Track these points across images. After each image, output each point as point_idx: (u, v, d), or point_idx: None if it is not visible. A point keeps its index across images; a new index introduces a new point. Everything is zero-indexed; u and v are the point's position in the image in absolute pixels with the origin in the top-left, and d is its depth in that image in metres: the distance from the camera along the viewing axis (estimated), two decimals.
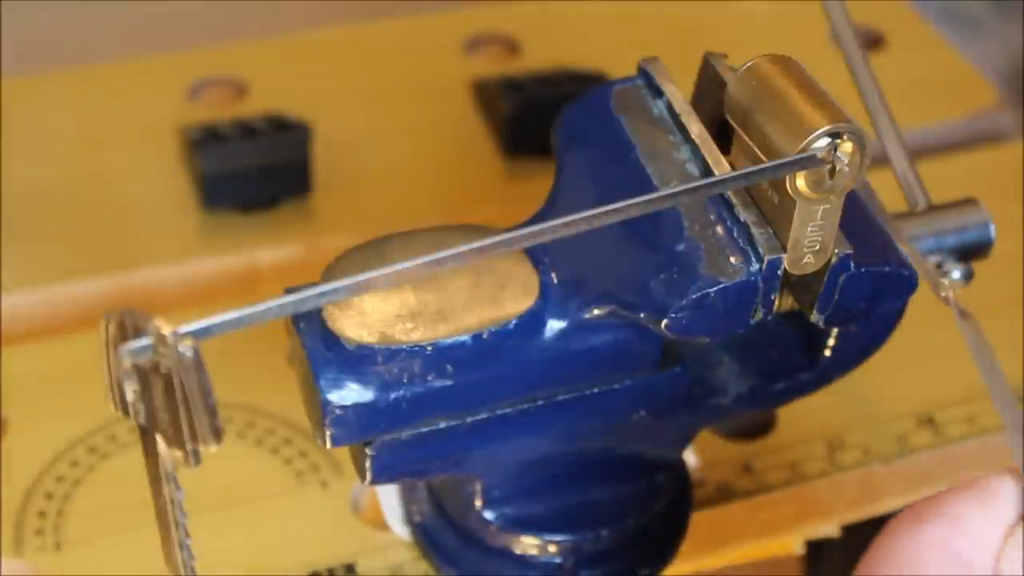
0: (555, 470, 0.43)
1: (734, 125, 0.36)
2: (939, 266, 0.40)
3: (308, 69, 0.63)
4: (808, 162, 0.34)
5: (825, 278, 0.37)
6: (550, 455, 0.42)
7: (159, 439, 0.32)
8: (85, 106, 0.61)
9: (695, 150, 0.38)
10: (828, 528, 0.46)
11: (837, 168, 0.34)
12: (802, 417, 0.49)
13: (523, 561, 0.44)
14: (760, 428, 0.49)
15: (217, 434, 0.31)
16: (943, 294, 0.33)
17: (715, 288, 0.36)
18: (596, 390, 0.40)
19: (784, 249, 0.36)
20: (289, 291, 0.37)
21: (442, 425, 0.39)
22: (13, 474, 0.47)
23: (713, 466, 0.48)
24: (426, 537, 0.45)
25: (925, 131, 0.61)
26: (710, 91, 0.39)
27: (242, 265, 0.55)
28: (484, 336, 0.37)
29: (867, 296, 0.37)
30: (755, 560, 0.46)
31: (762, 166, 0.35)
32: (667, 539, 0.45)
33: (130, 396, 0.31)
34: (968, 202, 0.41)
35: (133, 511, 0.45)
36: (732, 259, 0.36)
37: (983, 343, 0.31)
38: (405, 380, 0.37)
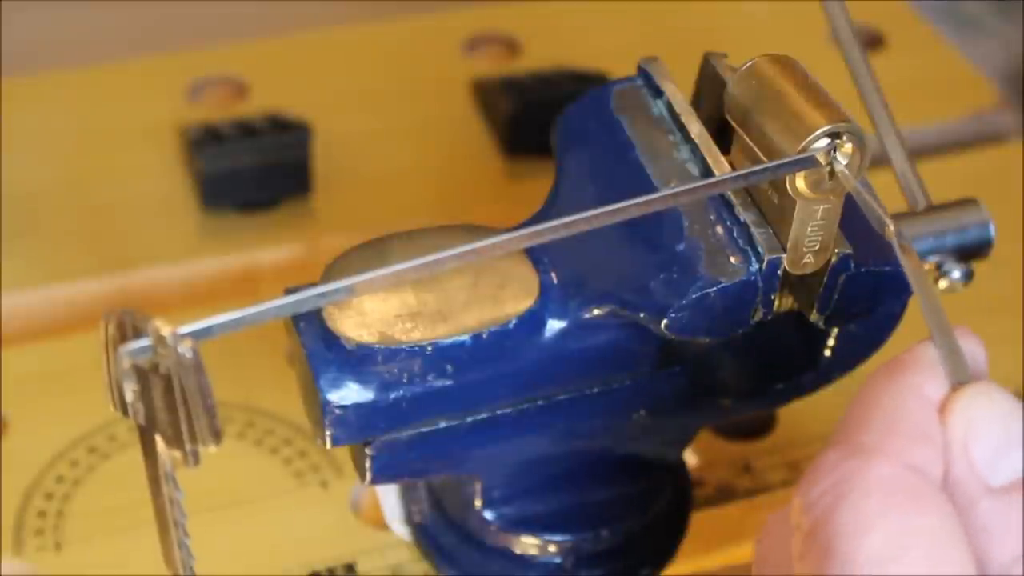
0: (555, 470, 0.43)
1: (734, 125, 0.36)
2: (939, 266, 0.40)
3: (308, 69, 0.63)
4: (808, 162, 0.34)
5: (825, 278, 0.37)
6: (550, 455, 0.42)
7: (158, 439, 0.32)
8: (85, 106, 0.61)
9: (695, 150, 0.38)
10: None
11: (837, 168, 0.34)
12: (802, 417, 0.49)
13: (523, 561, 0.44)
14: (760, 428, 0.49)
15: (216, 435, 0.31)
16: (887, 230, 0.34)
17: (715, 288, 0.36)
18: (596, 390, 0.40)
19: (784, 249, 0.36)
20: (289, 291, 0.37)
21: (442, 425, 0.39)
22: (13, 474, 0.47)
23: (713, 466, 0.48)
24: (426, 537, 0.45)
25: (925, 131, 0.61)
26: (710, 91, 0.39)
27: (242, 265, 0.55)
28: (484, 336, 0.37)
29: (867, 296, 0.37)
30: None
31: (762, 166, 0.35)
32: (667, 539, 0.45)
33: (130, 396, 0.31)
34: (968, 202, 0.41)
35: (133, 511, 0.45)
36: (732, 259, 0.36)
37: (923, 279, 0.33)
38: (405, 380, 0.37)
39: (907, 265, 0.33)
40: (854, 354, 0.42)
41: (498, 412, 0.39)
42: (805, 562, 0.30)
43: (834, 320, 0.38)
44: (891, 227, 0.34)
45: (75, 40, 0.67)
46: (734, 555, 0.46)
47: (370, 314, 0.37)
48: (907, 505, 0.29)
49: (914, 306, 0.39)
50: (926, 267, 0.41)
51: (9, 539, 0.45)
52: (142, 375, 0.31)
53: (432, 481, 0.45)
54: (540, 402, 0.40)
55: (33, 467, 0.47)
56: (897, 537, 0.29)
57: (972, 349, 0.33)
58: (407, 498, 0.45)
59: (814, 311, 0.37)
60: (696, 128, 0.38)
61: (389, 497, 0.45)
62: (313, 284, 0.36)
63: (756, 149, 0.35)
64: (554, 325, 0.38)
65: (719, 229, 0.37)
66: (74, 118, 0.60)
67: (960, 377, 0.31)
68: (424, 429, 0.39)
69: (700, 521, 0.46)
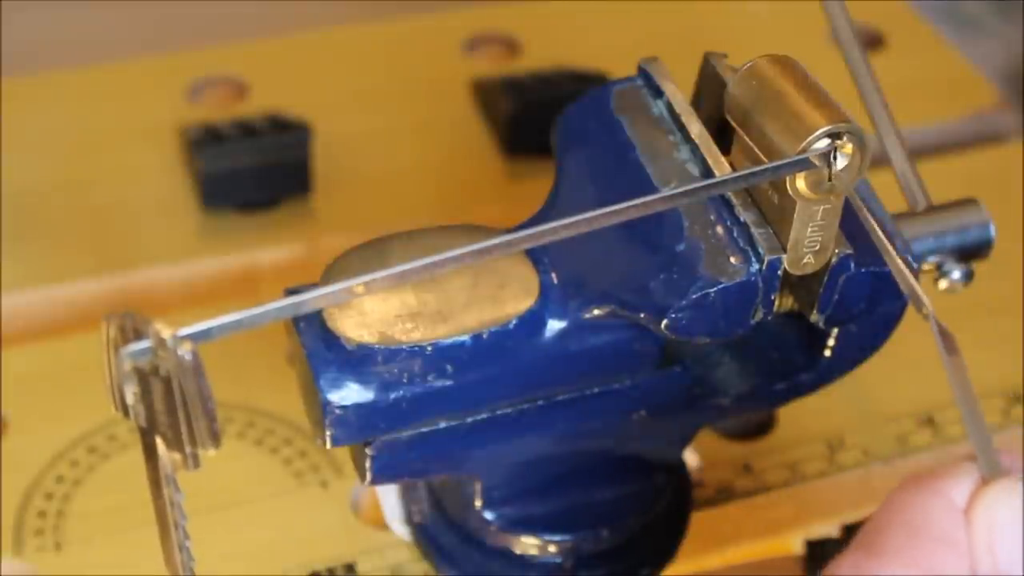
0: (555, 470, 0.43)
1: (734, 125, 0.36)
2: (939, 266, 0.40)
3: (308, 69, 0.63)
4: (808, 163, 0.34)
5: (825, 278, 0.37)
6: (550, 455, 0.42)
7: (159, 441, 0.32)
8: (85, 106, 0.61)
9: (695, 150, 0.38)
10: (828, 528, 0.46)
11: (837, 169, 0.34)
12: (802, 417, 0.49)
13: (523, 561, 0.44)
14: (760, 428, 0.49)
15: (215, 438, 0.31)
16: (925, 311, 0.33)
17: (715, 288, 0.36)
18: (596, 390, 0.40)
19: (784, 249, 0.36)
20: (289, 292, 0.37)
21: (442, 425, 0.39)
22: (13, 474, 0.47)
23: (713, 466, 0.48)
24: (426, 537, 0.45)
25: (925, 131, 0.61)
26: (710, 91, 0.39)
27: (242, 265, 0.55)
28: (484, 336, 0.37)
29: (867, 296, 0.37)
30: (755, 560, 0.46)
31: (762, 167, 0.35)
32: (667, 539, 0.45)
33: (130, 399, 0.31)
34: (968, 202, 0.41)
35: (133, 511, 0.45)
36: (732, 259, 0.36)
37: (962, 372, 0.32)
38: (405, 380, 0.37)
39: (945, 355, 0.32)
40: (854, 354, 0.42)
41: (498, 412, 0.39)
42: None
43: (834, 320, 0.38)
44: (929, 310, 0.33)
45: (75, 40, 0.67)
46: (734, 555, 0.46)
47: (370, 314, 0.37)
48: None
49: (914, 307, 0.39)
50: (926, 267, 0.41)
51: (9, 539, 0.45)
52: (143, 377, 0.31)
53: (432, 481, 0.45)
54: (540, 402, 0.40)
55: (33, 467, 0.47)
56: None
57: (1009, 462, 0.32)
58: (407, 498, 0.45)
59: (814, 311, 0.37)
60: (696, 128, 0.38)
61: (389, 497, 0.45)
62: (313, 285, 0.36)
63: (756, 149, 0.35)
64: (554, 325, 0.38)
65: (719, 229, 0.37)
66: (74, 118, 0.60)
67: (991, 470, 0.31)
68: (424, 429, 0.39)
69: (700, 521, 0.46)
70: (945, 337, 0.33)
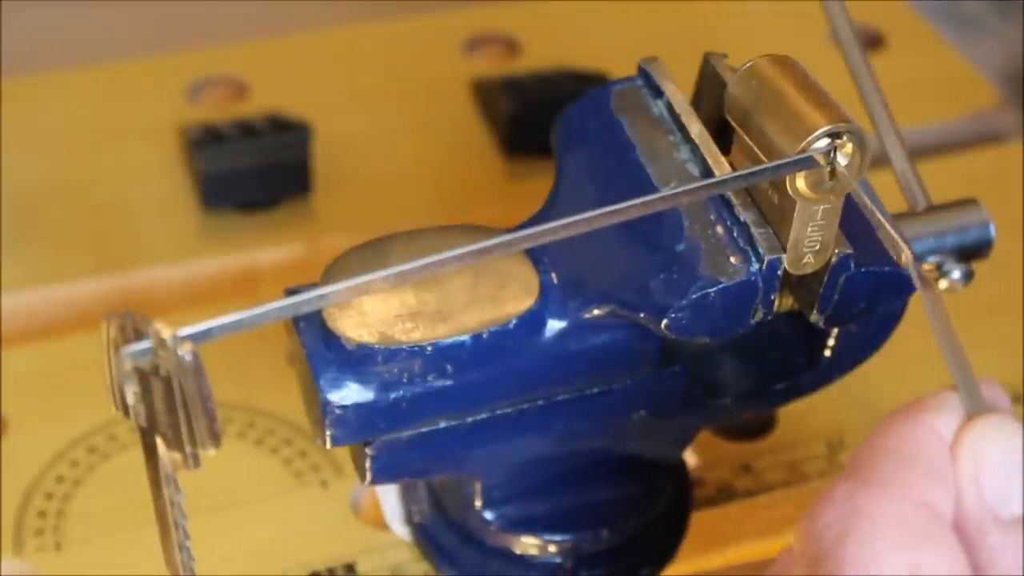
0: (555, 470, 0.43)
1: (734, 125, 0.36)
2: (939, 266, 0.40)
3: (308, 69, 0.63)
4: (808, 162, 0.34)
5: (825, 278, 0.37)
6: (550, 455, 0.42)
7: (159, 441, 0.32)
8: (85, 106, 0.61)
9: (695, 150, 0.38)
10: None
11: (837, 168, 0.34)
12: (802, 417, 0.49)
13: (523, 561, 0.44)
14: (760, 428, 0.49)
15: (215, 438, 0.31)
16: (904, 256, 0.34)
17: (715, 288, 0.36)
18: (596, 390, 0.40)
19: (784, 249, 0.36)
20: (289, 292, 0.37)
21: (442, 425, 0.39)
22: (13, 474, 0.47)
23: (713, 466, 0.48)
24: (426, 537, 0.45)
25: (925, 131, 0.61)
26: (710, 91, 0.39)
27: (242, 265, 0.55)
28: (484, 336, 0.37)
29: (867, 296, 0.37)
30: (755, 560, 0.46)
31: (762, 167, 0.35)
32: (667, 539, 0.45)
33: (131, 398, 0.31)
34: (968, 202, 0.41)
35: (133, 511, 0.45)
36: (732, 259, 0.36)
37: (941, 309, 0.33)
38: (405, 380, 0.37)
39: (924, 294, 0.33)
40: (854, 354, 0.42)
41: (498, 412, 0.39)
42: None
43: (834, 320, 0.38)
44: (907, 252, 0.34)
45: (75, 40, 0.67)
46: (734, 555, 0.46)
47: (370, 314, 0.37)
48: (917, 543, 0.29)
49: (914, 306, 0.39)
50: (926, 267, 0.41)
51: (9, 539, 0.45)
52: (143, 377, 0.31)
53: (432, 481, 0.45)
54: (540, 402, 0.40)
55: (33, 467, 0.47)
56: (908, 572, 0.29)
57: (995, 395, 0.32)
58: (407, 498, 0.45)
59: (814, 311, 0.37)
60: (696, 128, 0.38)
61: (389, 497, 0.45)
62: (313, 285, 0.36)
63: (756, 149, 0.35)
64: (554, 325, 0.38)
65: (719, 229, 0.37)
66: (74, 118, 0.60)
67: (975, 406, 0.31)
68: (424, 429, 0.39)
69: (700, 521, 0.46)
70: (921, 275, 0.34)
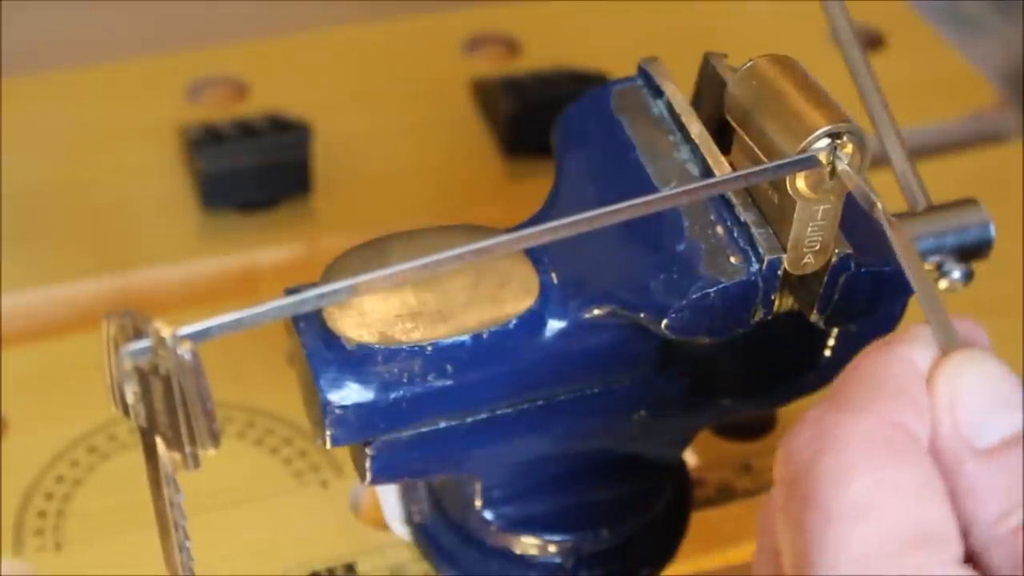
0: (555, 470, 0.43)
1: (734, 125, 0.36)
2: (939, 266, 0.40)
3: (308, 69, 0.63)
4: (808, 162, 0.34)
5: (825, 278, 0.37)
6: (550, 455, 0.42)
7: (159, 441, 0.32)
8: (85, 106, 0.61)
9: (695, 150, 0.38)
10: None
11: (837, 168, 0.34)
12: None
13: (523, 561, 0.44)
14: (760, 428, 0.49)
15: (215, 438, 0.31)
16: (876, 208, 0.34)
17: (715, 288, 0.36)
18: (596, 390, 0.40)
19: (784, 249, 0.36)
20: (289, 292, 0.37)
21: (442, 425, 0.39)
22: (13, 474, 0.47)
23: (713, 466, 0.48)
24: (426, 537, 0.45)
25: (925, 131, 0.61)
26: (710, 91, 0.39)
27: (242, 265, 0.55)
28: (484, 336, 0.37)
29: (867, 296, 0.37)
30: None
31: (762, 167, 0.35)
32: (667, 539, 0.45)
33: (130, 398, 0.31)
34: (968, 202, 0.41)
35: (133, 511, 0.45)
36: (732, 259, 0.36)
37: (910, 250, 0.34)
38: (405, 380, 0.37)
39: (896, 241, 0.34)
40: (854, 354, 0.41)
41: (498, 412, 0.39)
42: (787, 512, 0.31)
43: (834, 320, 0.38)
44: (880, 206, 0.34)
45: (75, 40, 0.67)
46: (734, 555, 0.46)
47: (370, 314, 0.37)
48: (889, 457, 0.30)
49: (914, 306, 0.39)
50: (926, 268, 0.41)
51: (9, 539, 0.45)
52: (143, 376, 0.31)
53: (432, 481, 0.45)
54: (540, 402, 0.40)
55: (33, 467, 0.47)
56: (877, 486, 0.29)
57: (972, 332, 0.33)
58: (407, 498, 0.45)
59: (814, 311, 0.37)
60: (696, 128, 0.38)
61: (389, 497, 0.45)
62: (313, 284, 0.36)
63: (756, 149, 0.35)
64: (554, 325, 0.38)
65: (719, 229, 0.37)
66: (74, 118, 0.60)
67: (948, 341, 0.32)
68: (424, 429, 0.39)
69: (700, 521, 0.46)
70: (889, 221, 0.34)
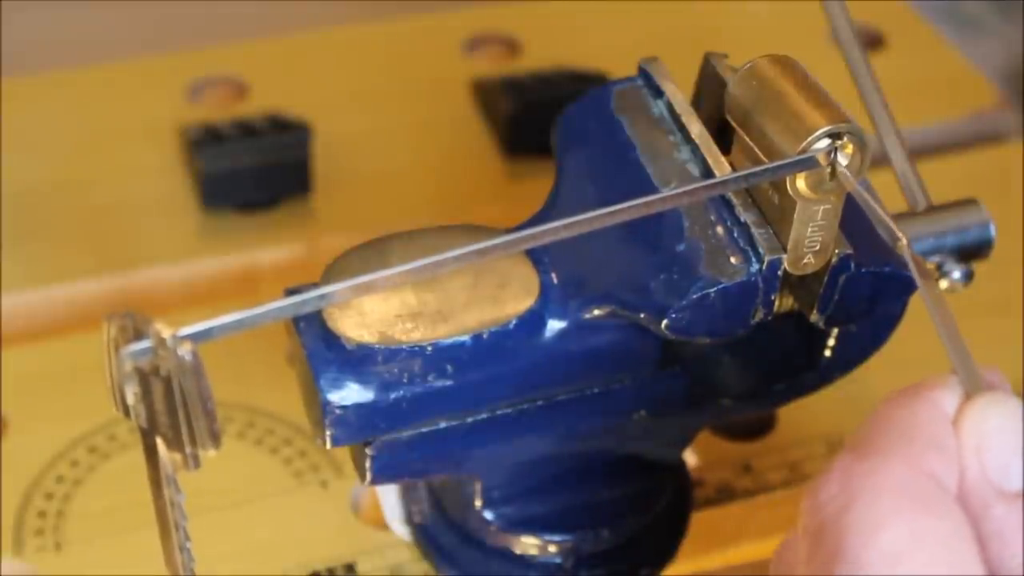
0: (555, 470, 0.43)
1: (734, 125, 0.36)
2: (939, 266, 0.40)
3: (308, 69, 0.63)
4: (809, 163, 0.34)
5: (825, 278, 0.37)
6: (550, 455, 0.42)
7: (159, 442, 0.32)
8: (85, 106, 0.61)
9: (695, 150, 0.38)
10: None
11: (837, 169, 0.34)
12: (802, 417, 0.49)
13: (523, 561, 0.44)
14: (760, 428, 0.49)
15: (215, 438, 0.31)
16: (899, 244, 0.34)
17: (715, 288, 0.36)
18: (596, 390, 0.40)
19: (784, 249, 0.36)
20: (289, 292, 0.37)
21: (442, 425, 0.39)
22: (13, 474, 0.47)
23: (713, 466, 0.48)
24: (426, 537, 0.45)
25: (925, 131, 0.61)
26: (710, 91, 0.39)
27: (242, 265, 0.55)
28: (484, 336, 0.37)
29: (867, 296, 0.37)
30: (755, 560, 0.46)
31: (762, 167, 0.35)
32: (667, 539, 0.45)
33: (131, 399, 0.31)
34: (968, 202, 0.41)
35: (133, 511, 0.45)
36: (732, 259, 0.36)
37: (937, 296, 0.33)
38: (405, 380, 0.37)
39: (920, 280, 0.33)
40: (854, 354, 0.42)
41: (498, 412, 0.39)
42: (812, 563, 0.30)
43: (834, 320, 0.38)
44: (903, 241, 0.34)
45: (75, 40, 0.67)
46: (734, 555, 0.46)
47: (370, 314, 0.37)
48: (919, 507, 0.30)
49: (914, 306, 0.39)
50: (927, 267, 0.41)
51: (9, 539, 0.45)
52: (143, 377, 0.31)
53: (432, 481, 0.45)
54: (540, 402, 0.40)
55: (33, 467, 0.47)
56: (908, 537, 0.29)
57: (994, 378, 0.32)
58: (407, 498, 0.45)
59: (814, 311, 0.37)
60: (696, 128, 0.38)
61: (389, 497, 0.45)
62: (313, 285, 0.36)
63: (756, 149, 0.35)
64: (554, 325, 0.38)
65: (719, 229, 0.37)
66: (74, 118, 0.60)
67: (974, 386, 0.31)
68: (424, 429, 0.39)
69: (700, 521, 0.46)
70: (918, 264, 0.34)
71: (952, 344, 0.32)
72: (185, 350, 0.30)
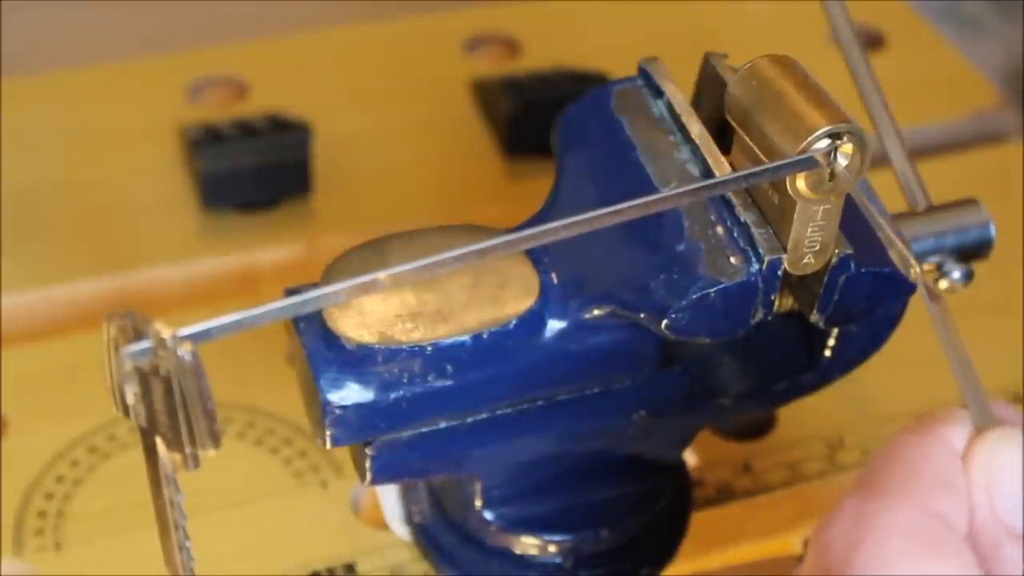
0: (555, 470, 0.43)
1: (734, 125, 0.36)
2: (939, 266, 0.40)
3: (308, 69, 0.63)
4: (808, 163, 0.34)
5: (825, 278, 0.37)
6: (550, 455, 0.42)
7: (159, 442, 0.32)
8: (85, 106, 0.61)
9: (695, 150, 0.38)
10: None
11: (837, 169, 0.34)
12: (802, 417, 0.49)
13: (523, 561, 0.44)
14: (760, 428, 0.49)
15: (215, 439, 0.31)
16: (913, 272, 0.34)
17: (715, 288, 0.36)
18: (596, 390, 0.40)
19: (784, 249, 0.36)
20: (289, 292, 0.37)
21: (442, 425, 0.39)
22: (13, 474, 0.47)
23: (713, 466, 0.48)
24: (426, 537, 0.45)
25: (925, 131, 0.61)
26: (710, 91, 0.39)
27: (242, 265, 0.55)
28: (484, 336, 0.37)
29: (867, 296, 0.37)
30: (755, 560, 0.46)
31: (762, 167, 0.35)
32: (667, 539, 0.45)
33: (131, 399, 0.31)
34: (968, 202, 0.41)
35: (133, 511, 0.45)
36: (732, 259, 0.36)
37: (950, 326, 0.33)
38: (405, 380, 0.37)
39: (933, 309, 0.33)
40: (854, 354, 0.42)
41: (498, 412, 0.39)
42: None
43: (834, 320, 0.38)
44: (917, 270, 0.34)
45: (75, 40, 0.67)
46: (734, 555, 0.46)
47: (370, 314, 0.37)
48: (927, 549, 0.29)
49: (914, 306, 0.39)
50: (926, 267, 0.41)
51: (9, 539, 0.45)
52: (143, 377, 0.31)
53: (432, 481, 0.45)
54: (540, 402, 0.40)
55: (33, 467, 0.47)
56: None
57: (1004, 412, 0.32)
58: (407, 498, 0.45)
59: (814, 311, 0.37)
60: (696, 128, 0.38)
61: (389, 497, 0.45)
62: (313, 285, 0.36)
63: (756, 149, 0.35)
64: (554, 325, 0.38)
65: (719, 229, 0.37)
66: (74, 118, 0.60)
67: (984, 419, 0.31)
68: (424, 429, 0.39)
69: (700, 521, 0.46)
70: (930, 291, 0.34)
71: (963, 375, 0.32)
72: (185, 350, 0.30)
